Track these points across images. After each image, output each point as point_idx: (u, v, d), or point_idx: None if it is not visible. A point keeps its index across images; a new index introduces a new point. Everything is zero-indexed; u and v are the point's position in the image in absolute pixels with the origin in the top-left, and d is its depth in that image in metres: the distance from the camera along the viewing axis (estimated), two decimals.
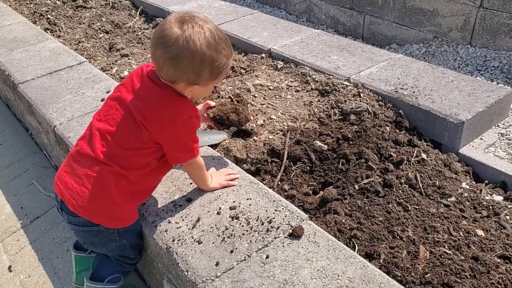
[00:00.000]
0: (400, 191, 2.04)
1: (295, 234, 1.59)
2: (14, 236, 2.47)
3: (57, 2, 4.80)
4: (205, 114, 2.03)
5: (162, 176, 1.77)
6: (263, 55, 3.30)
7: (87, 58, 3.29)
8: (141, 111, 1.53)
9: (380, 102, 2.56)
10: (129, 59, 3.44)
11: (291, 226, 1.63)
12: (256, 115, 2.56)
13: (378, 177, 2.08)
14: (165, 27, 1.43)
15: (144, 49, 3.68)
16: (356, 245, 1.81)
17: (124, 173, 1.57)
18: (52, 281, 2.15)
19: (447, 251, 1.75)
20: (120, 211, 1.63)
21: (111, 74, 3.12)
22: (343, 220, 1.89)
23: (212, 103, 2.00)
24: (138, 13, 4.50)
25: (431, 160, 2.24)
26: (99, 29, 4.13)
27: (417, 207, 1.98)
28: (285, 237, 1.60)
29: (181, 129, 1.55)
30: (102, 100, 2.56)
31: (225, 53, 1.48)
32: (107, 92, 2.64)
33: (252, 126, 2.45)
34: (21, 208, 2.64)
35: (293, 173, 2.18)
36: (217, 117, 1.90)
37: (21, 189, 2.80)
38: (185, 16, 1.44)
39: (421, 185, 2.07)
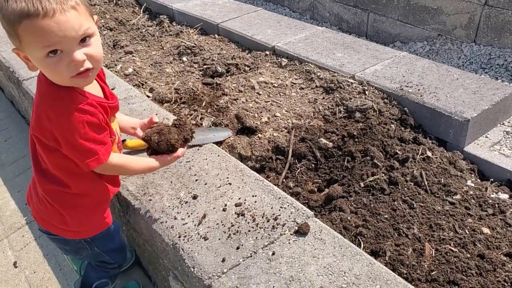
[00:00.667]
0: (405, 188, 2.04)
1: (301, 231, 1.59)
2: (19, 232, 2.47)
3: None
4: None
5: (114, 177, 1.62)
6: (267, 53, 3.29)
7: None
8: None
9: (385, 100, 2.55)
10: (133, 56, 3.43)
11: (297, 223, 1.63)
12: (261, 112, 2.56)
13: (383, 175, 2.08)
14: None
15: (148, 46, 3.68)
16: (362, 243, 1.81)
17: (62, 189, 1.45)
18: (57, 277, 2.16)
19: (452, 248, 1.75)
20: (74, 224, 1.53)
21: (116, 71, 3.12)
22: (349, 218, 1.89)
23: (156, 119, 1.73)
24: (142, 10, 4.49)
25: (436, 158, 2.24)
26: (103, 26, 4.13)
27: (422, 204, 1.98)
28: (291, 234, 1.60)
29: (64, 128, 1.28)
30: None
31: (10, 5, 1.15)
32: (112, 89, 2.63)
33: (257, 124, 2.45)
34: (26, 205, 2.63)
35: (298, 171, 2.18)
36: (145, 137, 1.61)
37: (26, 185, 2.77)
38: None
39: (426, 182, 2.07)
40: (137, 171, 1.59)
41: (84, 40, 1.23)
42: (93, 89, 1.41)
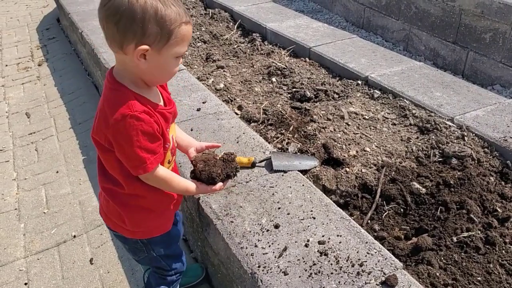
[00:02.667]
0: (503, 251, 1.86)
1: (388, 283, 1.48)
2: (97, 230, 2.55)
3: None
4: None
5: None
6: (359, 82, 3.21)
7: (185, 66, 3.38)
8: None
9: (486, 149, 2.37)
10: (224, 71, 3.49)
11: (384, 274, 1.52)
12: (349, 144, 2.47)
13: (479, 232, 1.91)
14: None
15: (239, 62, 3.72)
16: None
17: (117, 188, 1.48)
18: (129, 282, 2.19)
19: None
20: (130, 223, 1.55)
21: (207, 85, 3.17)
22: (437, 274, 1.74)
23: (218, 145, 1.81)
24: (235, 26, 4.58)
25: None
26: (198, 38, 4.25)
27: None
28: (376, 285, 1.50)
29: (119, 133, 1.31)
30: (197, 110, 2.59)
31: (174, 9, 1.26)
32: (203, 103, 2.67)
33: (344, 156, 2.37)
34: None
35: (385, 213, 2.06)
36: (192, 161, 1.65)
37: None
38: None
39: None
40: (176, 190, 1.56)
41: None
42: (154, 95, 1.44)
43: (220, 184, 1.63)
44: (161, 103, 1.47)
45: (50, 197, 2.87)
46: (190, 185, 1.58)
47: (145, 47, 1.26)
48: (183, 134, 1.78)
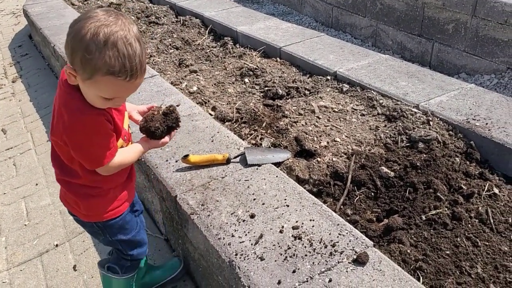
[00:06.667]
0: (469, 225, 1.95)
1: (360, 261, 1.56)
2: (79, 237, 2.58)
3: (132, 17, 5.06)
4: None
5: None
6: (328, 78, 3.30)
7: (158, 72, 3.44)
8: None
9: (450, 132, 2.48)
10: (197, 75, 3.55)
11: (356, 252, 1.60)
12: (320, 136, 2.56)
13: (446, 209, 2.00)
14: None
15: (212, 66, 3.79)
16: (421, 277, 1.74)
17: (71, 180, 1.58)
18: None
19: None
20: (84, 207, 1.63)
21: (181, 89, 3.23)
22: (408, 251, 1.83)
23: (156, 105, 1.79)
24: (207, 31, 4.65)
25: (504, 195, 2.13)
26: (170, 44, 4.31)
27: (487, 243, 1.88)
28: (349, 263, 1.57)
29: (75, 133, 1.40)
30: None
31: (106, 57, 1.24)
32: (177, 106, 2.73)
33: (316, 147, 2.45)
34: None
35: (357, 198, 2.15)
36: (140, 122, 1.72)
37: None
38: (112, 11, 1.34)
39: (492, 221, 1.98)
40: (133, 159, 1.64)
41: None
42: None
43: (167, 137, 1.69)
44: None
45: (30, 209, 2.88)
46: (139, 147, 1.65)
47: (72, 69, 1.31)
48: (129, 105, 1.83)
